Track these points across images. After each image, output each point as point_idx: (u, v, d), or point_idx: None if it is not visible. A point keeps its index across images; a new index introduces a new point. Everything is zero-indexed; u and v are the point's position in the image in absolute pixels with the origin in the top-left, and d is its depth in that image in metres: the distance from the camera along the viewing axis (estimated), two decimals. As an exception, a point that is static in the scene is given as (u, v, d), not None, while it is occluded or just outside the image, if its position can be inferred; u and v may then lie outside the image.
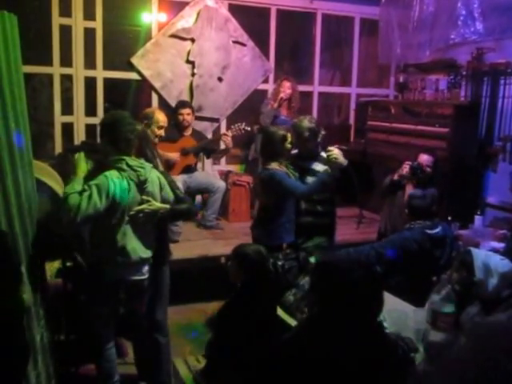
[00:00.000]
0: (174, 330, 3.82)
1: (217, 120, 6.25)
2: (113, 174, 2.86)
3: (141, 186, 2.96)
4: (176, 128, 5.19)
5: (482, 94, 5.56)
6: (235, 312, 2.59)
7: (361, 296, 1.85)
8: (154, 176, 3.07)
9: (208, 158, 5.80)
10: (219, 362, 2.60)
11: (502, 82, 5.39)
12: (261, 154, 4.02)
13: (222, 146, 5.46)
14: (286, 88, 5.77)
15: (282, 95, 5.72)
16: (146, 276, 3.12)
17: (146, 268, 3.12)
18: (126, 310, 3.16)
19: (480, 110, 5.55)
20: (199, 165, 5.72)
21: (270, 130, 4.00)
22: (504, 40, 5.34)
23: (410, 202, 3.68)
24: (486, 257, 2.68)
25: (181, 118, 5.22)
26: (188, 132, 5.31)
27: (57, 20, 5.39)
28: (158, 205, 3.04)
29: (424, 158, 4.34)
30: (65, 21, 5.44)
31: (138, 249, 3.01)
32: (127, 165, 2.90)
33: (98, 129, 3.10)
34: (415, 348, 2.37)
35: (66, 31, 5.47)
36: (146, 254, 3.07)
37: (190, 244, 4.83)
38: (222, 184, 5.48)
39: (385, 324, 2.57)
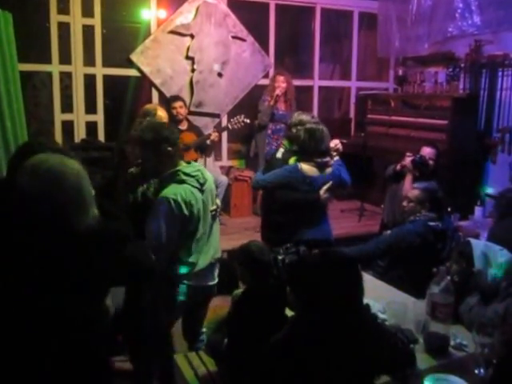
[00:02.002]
0: (175, 325, 3.82)
1: (217, 116, 6.26)
2: (174, 190, 2.76)
3: (201, 188, 2.88)
4: (172, 123, 5.18)
5: (481, 86, 5.59)
6: (243, 313, 2.55)
7: (336, 287, 1.84)
8: (207, 173, 3.01)
9: (202, 154, 5.54)
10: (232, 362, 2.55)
11: (500, 73, 5.42)
12: (315, 150, 3.56)
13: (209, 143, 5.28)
14: (280, 82, 5.77)
15: (277, 92, 5.71)
16: (216, 281, 3.09)
17: (216, 271, 3.10)
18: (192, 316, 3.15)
19: (479, 102, 5.58)
20: (201, 161, 5.71)
21: (319, 127, 3.58)
22: (501, 32, 5.37)
23: (434, 195, 3.57)
24: (485, 247, 2.69)
25: (174, 111, 5.22)
26: (184, 126, 5.30)
27: (55, 17, 5.39)
28: (218, 203, 3.08)
29: (427, 151, 4.37)
30: (63, 18, 5.44)
31: (210, 252, 2.98)
32: (184, 174, 2.81)
33: (140, 143, 2.89)
34: (415, 339, 2.39)
35: (64, 29, 5.47)
36: (217, 254, 3.07)
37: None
38: (224, 179, 5.50)
39: (385, 316, 2.60)
